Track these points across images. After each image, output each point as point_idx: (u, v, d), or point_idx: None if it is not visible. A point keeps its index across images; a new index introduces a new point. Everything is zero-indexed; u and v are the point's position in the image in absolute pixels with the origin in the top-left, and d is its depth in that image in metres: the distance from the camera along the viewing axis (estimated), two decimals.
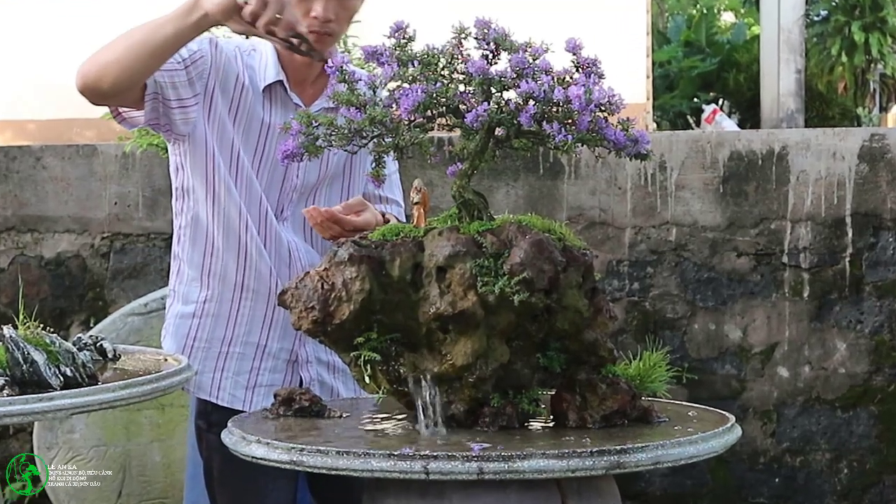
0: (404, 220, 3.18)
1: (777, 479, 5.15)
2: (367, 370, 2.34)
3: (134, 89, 2.85)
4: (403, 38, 2.37)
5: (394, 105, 2.33)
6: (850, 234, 5.11)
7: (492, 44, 2.36)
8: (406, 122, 2.34)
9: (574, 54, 2.34)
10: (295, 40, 2.80)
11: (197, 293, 3.05)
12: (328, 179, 3.06)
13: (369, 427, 2.42)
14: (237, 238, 3.00)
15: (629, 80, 5.99)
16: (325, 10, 2.89)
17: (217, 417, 2.97)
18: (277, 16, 2.71)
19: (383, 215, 3.01)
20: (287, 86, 3.01)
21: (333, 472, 2.15)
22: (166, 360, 2.75)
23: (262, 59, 3.03)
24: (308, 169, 3.01)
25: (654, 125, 6.69)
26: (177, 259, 3.10)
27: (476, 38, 2.37)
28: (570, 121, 2.29)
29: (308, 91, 3.04)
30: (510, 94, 2.34)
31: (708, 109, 6.59)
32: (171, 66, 2.88)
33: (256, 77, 3.01)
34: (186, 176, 3.03)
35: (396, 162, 3.17)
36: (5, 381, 2.41)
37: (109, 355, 2.77)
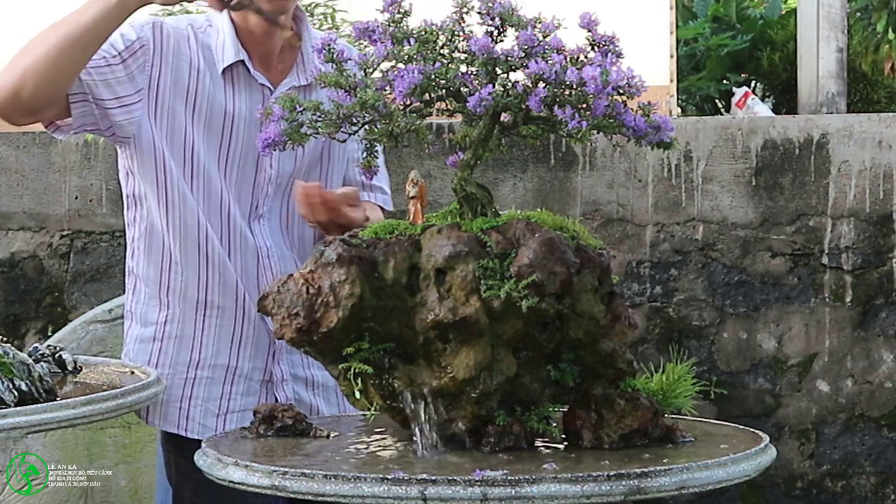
0: (390, 209, 3.18)
1: None
2: (357, 384, 2.34)
3: (58, 97, 2.82)
4: (398, 12, 2.38)
5: (387, 88, 2.34)
6: None
7: (497, 19, 2.36)
8: (401, 107, 2.34)
9: (589, 31, 2.35)
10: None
11: (156, 314, 3.04)
12: (305, 168, 3.05)
13: (360, 448, 2.42)
14: (196, 248, 2.99)
15: (651, 60, 5.99)
16: None
17: (188, 442, 2.96)
18: None
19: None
20: (249, 65, 2.99)
21: (320, 499, 2.16)
22: (133, 372, 2.75)
23: (219, 36, 2.99)
24: (282, 158, 2.99)
25: (679, 110, 6.70)
26: (132, 275, 3.09)
27: (479, 13, 2.37)
28: (584, 105, 2.29)
29: (275, 68, 3.02)
30: (518, 76, 2.34)
31: (739, 92, 6.59)
32: (101, 61, 2.85)
33: (214, 58, 2.98)
34: (137, 182, 3.01)
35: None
36: None
37: (69, 367, 2.77)
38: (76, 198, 5.34)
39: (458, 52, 2.36)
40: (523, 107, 2.32)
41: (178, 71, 2.94)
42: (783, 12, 7.39)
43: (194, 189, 2.97)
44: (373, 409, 2.42)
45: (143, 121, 2.94)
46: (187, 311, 3.01)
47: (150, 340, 3.04)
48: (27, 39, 2.85)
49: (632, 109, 2.31)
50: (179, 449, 3.04)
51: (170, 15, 4.10)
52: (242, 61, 2.97)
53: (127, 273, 3.11)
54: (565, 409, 2.42)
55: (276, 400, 3.03)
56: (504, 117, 2.36)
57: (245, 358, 3.03)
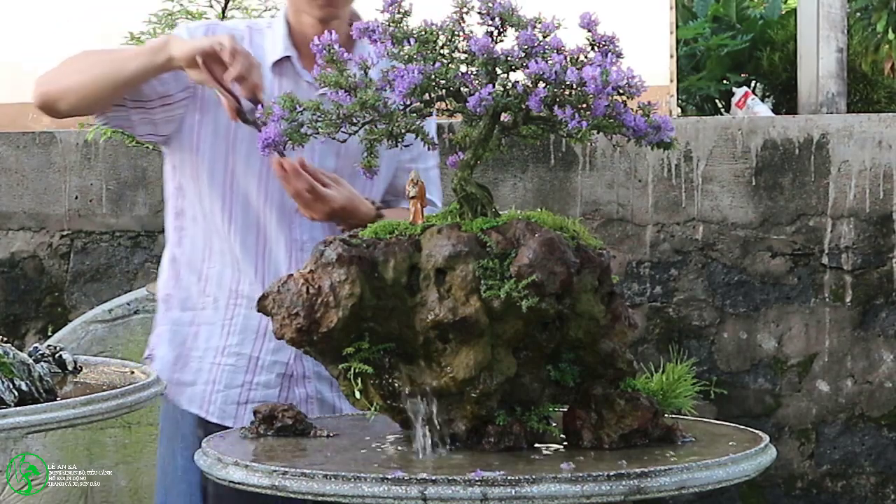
0: None
1: None
2: (357, 384, 2.34)
3: (93, 113, 3.05)
4: (398, 12, 2.38)
5: (387, 87, 2.34)
6: None
7: (497, 19, 2.36)
8: (401, 107, 2.34)
9: (589, 31, 2.34)
10: (249, 107, 2.91)
11: (195, 299, 3.13)
12: (349, 169, 3.09)
13: (360, 447, 2.42)
14: (225, 240, 3.08)
15: (651, 60, 5.99)
16: None
17: (215, 429, 3.00)
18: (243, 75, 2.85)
19: (378, 209, 3.04)
20: (297, 63, 3.08)
21: (320, 499, 2.16)
22: (133, 372, 2.75)
23: (273, 35, 3.11)
24: (323, 153, 3.06)
25: (679, 110, 6.70)
26: (175, 262, 3.17)
27: (479, 13, 2.37)
28: (584, 105, 2.29)
29: None
30: (518, 76, 2.34)
31: (739, 92, 6.58)
32: None
33: (265, 56, 3.08)
34: (181, 174, 3.12)
35: (437, 156, 3.21)
36: None
37: (69, 367, 2.77)
38: (76, 198, 5.34)
39: (458, 52, 2.36)
40: (523, 107, 2.32)
41: None
42: (783, 12, 7.39)
43: (232, 183, 3.07)
44: (373, 409, 2.42)
45: (186, 117, 3.05)
46: (220, 298, 3.10)
47: (188, 324, 3.13)
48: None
49: (632, 109, 2.31)
50: (208, 433, 3.08)
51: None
52: (289, 57, 3.07)
53: (170, 260, 3.18)
54: (565, 409, 2.42)
55: (296, 395, 3.09)
56: (504, 117, 2.36)
57: (267, 350, 3.09)
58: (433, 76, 2.32)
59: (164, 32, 4.19)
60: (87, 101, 2.98)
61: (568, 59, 2.32)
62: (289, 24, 3.09)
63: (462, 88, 2.35)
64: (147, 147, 4.19)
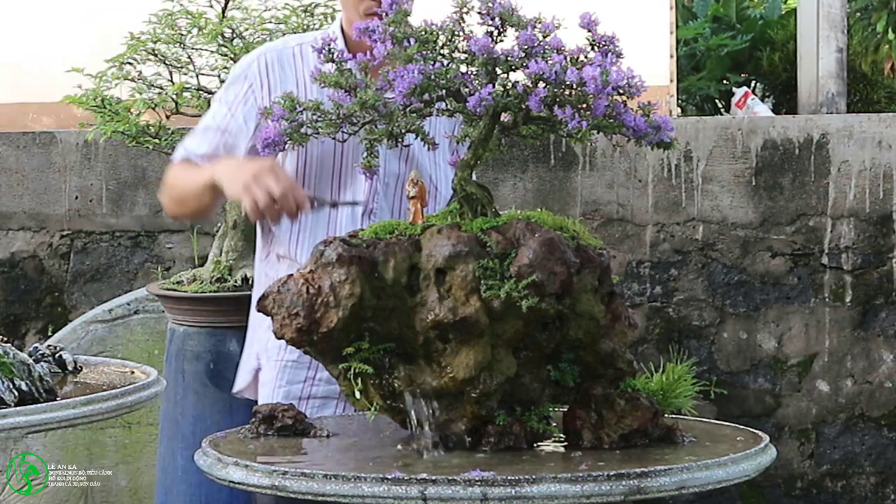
0: None
1: None
2: (357, 384, 2.34)
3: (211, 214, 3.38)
4: (398, 12, 2.38)
5: (388, 87, 2.34)
6: None
7: (497, 19, 2.36)
8: (401, 107, 2.34)
9: (589, 31, 2.35)
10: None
11: None
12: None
13: (359, 447, 2.42)
14: (286, 246, 3.13)
15: (650, 60, 5.99)
16: None
17: None
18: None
19: None
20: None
21: (320, 499, 2.16)
22: (133, 372, 2.75)
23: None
24: (388, 158, 3.07)
25: (679, 110, 6.69)
26: (266, 276, 3.23)
27: (479, 13, 2.37)
28: (584, 105, 2.29)
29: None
30: (518, 76, 2.34)
31: (739, 92, 6.58)
32: (217, 135, 3.15)
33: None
34: None
35: None
36: None
37: (69, 367, 2.77)
38: (76, 198, 5.34)
39: (459, 52, 2.36)
40: (523, 107, 2.32)
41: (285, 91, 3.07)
42: (783, 12, 7.39)
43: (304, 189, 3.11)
44: (373, 409, 2.42)
45: None
46: None
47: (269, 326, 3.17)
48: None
49: (632, 109, 2.31)
50: None
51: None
52: None
53: (264, 272, 3.24)
54: (565, 409, 2.42)
55: None
56: (504, 117, 2.36)
57: None
58: (433, 76, 2.32)
59: (164, 32, 4.18)
60: (191, 217, 3.33)
61: (568, 59, 2.32)
62: (343, 33, 3.11)
63: (462, 88, 2.35)
64: (147, 147, 4.18)
